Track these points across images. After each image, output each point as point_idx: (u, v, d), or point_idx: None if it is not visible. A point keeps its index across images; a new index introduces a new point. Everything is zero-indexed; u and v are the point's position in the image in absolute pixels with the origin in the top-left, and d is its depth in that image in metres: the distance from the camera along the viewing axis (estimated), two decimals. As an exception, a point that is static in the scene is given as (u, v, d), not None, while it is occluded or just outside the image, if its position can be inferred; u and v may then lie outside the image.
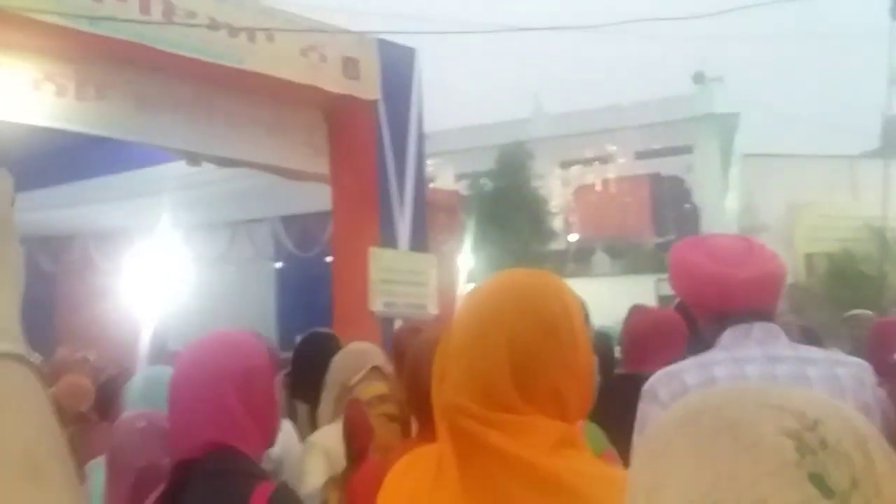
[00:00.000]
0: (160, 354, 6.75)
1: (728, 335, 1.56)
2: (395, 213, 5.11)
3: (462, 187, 10.90)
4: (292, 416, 2.88)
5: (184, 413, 1.42)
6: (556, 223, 11.62)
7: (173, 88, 4.75)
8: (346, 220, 5.25)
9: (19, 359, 0.56)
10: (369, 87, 5.17)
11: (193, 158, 5.42)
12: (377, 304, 4.87)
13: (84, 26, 3.99)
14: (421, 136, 5.43)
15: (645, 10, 7.22)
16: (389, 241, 5.07)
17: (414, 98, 5.45)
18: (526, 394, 1.02)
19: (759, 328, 1.57)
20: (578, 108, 18.96)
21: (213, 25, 4.46)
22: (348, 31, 5.09)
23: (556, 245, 11.37)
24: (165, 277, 8.41)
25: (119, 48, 4.25)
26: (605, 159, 18.23)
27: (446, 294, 6.89)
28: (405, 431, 1.92)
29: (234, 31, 4.55)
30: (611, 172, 18.40)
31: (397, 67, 5.38)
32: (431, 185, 8.09)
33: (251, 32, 4.62)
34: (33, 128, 4.50)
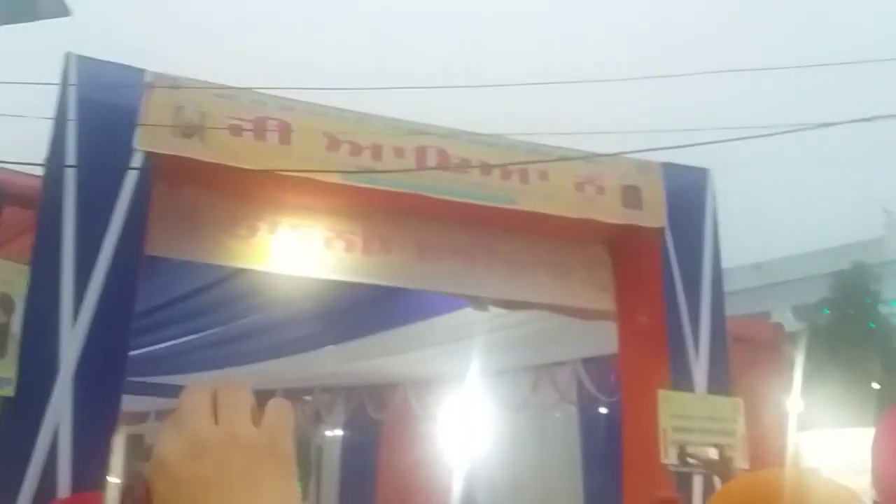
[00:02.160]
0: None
1: None
2: (688, 351, 4.51)
3: (792, 320, 9.61)
4: None
5: None
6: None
7: (452, 235, 4.82)
8: (634, 361, 4.77)
9: None
10: (653, 215, 4.78)
11: (478, 303, 5.41)
12: (670, 457, 4.23)
13: (365, 183, 4.24)
14: (717, 265, 4.83)
15: None
16: (683, 383, 4.46)
17: (708, 223, 4.92)
18: None
19: None
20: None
21: (486, 170, 4.49)
22: (626, 158, 4.80)
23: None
24: (474, 423, 8.45)
25: (398, 201, 4.44)
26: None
27: (764, 445, 5.88)
28: None
29: (506, 172, 4.53)
30: None
31: (686, 191, 4.94)
32: (753, 319, 7.22)
33: (523, 172, 4.57)
34: (337, 283, 4.83)
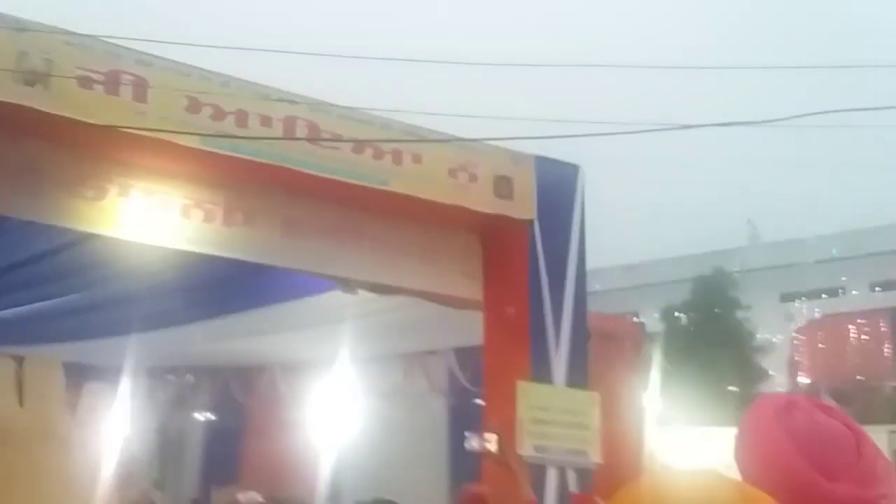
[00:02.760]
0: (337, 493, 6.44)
1: None
2: (549, 344, 4.53)
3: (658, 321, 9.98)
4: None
5: None
6: (767, 362, 10.21)
7: (320, 213, 4.66)
8: (496, 352, 4.76)
9: None
10: (523, 207, 4.77)
11: (346, 285, 5.27)
12: (527, 448, 4.24)
13: (227, 151, 4.02)
14: (582, 260, 4.88)
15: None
16: (543, 375, 4.49)
17: (576, 219, 4.97)
18: None
19: None
20: (800, 236, 17.36)
21: (358, 148, 4.35)
22: (500, 148, 4.78)
23: (766, 387, 9.92)
24: (343, 410, 8.30)
25: (264, 172, 4.24)
26: (833, 291, 16.30)
27: (620, 441, 6.05)
28: None
29: (379, 152, 4.41)
30: (842, 306, 16.37)
31: (557, 186, 4.96)
32: (617, 316, 7.41)
33: (397, 153, 4.46)
34: (201, 256, 4.56)
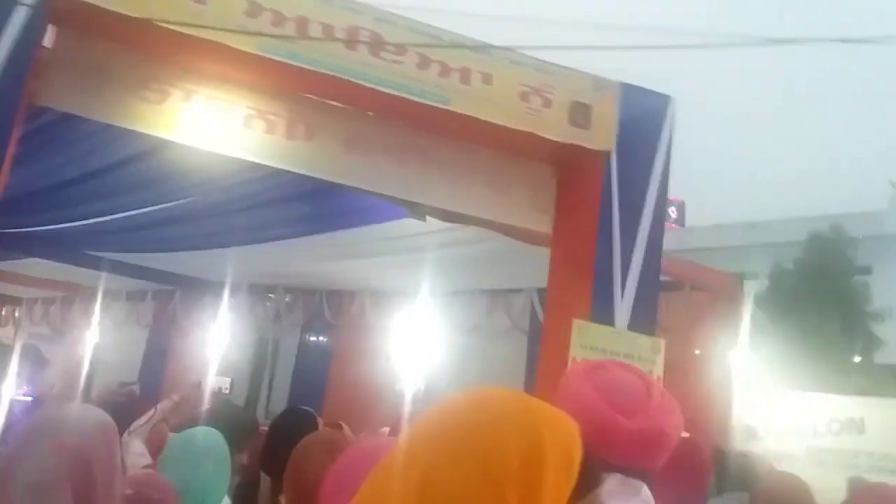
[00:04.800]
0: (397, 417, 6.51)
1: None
2: (614, 285, 4.22)
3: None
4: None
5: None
6: (885, 331, 9.30)
7: (383, 131, 4.49)
8: (558, 290, 4.50)
9: None
10: (601, 137, 4.42)
11: (413, 210, 5.12)
12: (575, 391, 3.99)
13: (284, 58, 3.90)
14: (662, 202, 4.49)
15: None
16: (603, 317, 4.19)
17: (660, 155, 4.56)
18: None
19: (614, 479, 1.48)
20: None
21: (424, 63, 4.13)
22: (582, 72, 4.42)
23: (884, 358, 9.05)
24: (425, 340, 8.31)
25: (325, 84, 4.11)
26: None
27: (699, 396, 5.67)
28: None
29: (446, 69, 4.17)
30: None
31: (643, 117, 4.56)
32: (714, 269, 6.90)
33: (465, 72, 4.20)
34: (286, 173, 4.50)
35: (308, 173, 4.46)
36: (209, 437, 2.47)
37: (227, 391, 10.05)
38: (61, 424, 1.66)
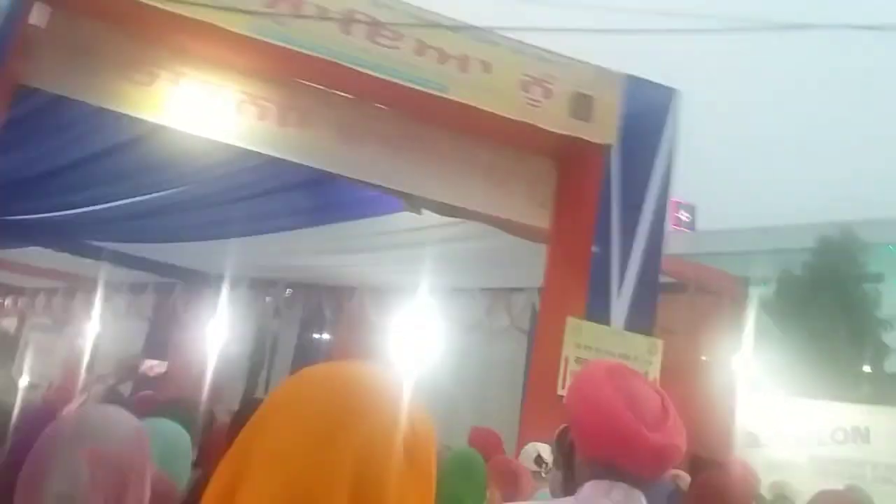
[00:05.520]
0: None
1: (589, 487, 1.48)
2: (611, 283, 4.09)
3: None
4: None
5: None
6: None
7: (379, 119, 4.38)
8: (554, 287, 4.37)
9: None
10: (602, 130, 4.29)
11: (409, 202, 5.01)
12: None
13: (278, 41, 3.79)
14: (663, 197, 4.36)
15: None
16: (599, 316, 4.06)
17: (662, 150, 4.43)
18: None
19: (621, 490, 1.46)
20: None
21: (421, 49, 4.01)
22: (585, 63, 4.30)
23: (890, 364, 8.85)
24: (425, 337, 8.19)
25: (320, 69, 4.00)
26: None
27: (700, 399, 5.53)
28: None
29: (444, 56, 4.05)
30: None
31: (647, 110, 4.43)
32: (717, 270, 6.76)
33: (464, 59, 4.09)
34: (284, 162, 4.39)
35: (300, 161, 4.35)
36: (175, 430, 2.37)
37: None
38: (94, 431, 1.54)
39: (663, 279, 4.36)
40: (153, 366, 10.24)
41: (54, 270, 11.67)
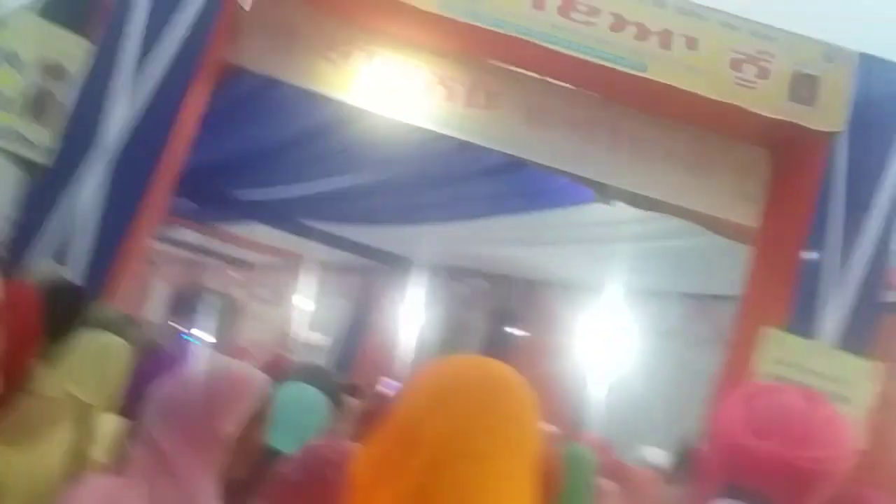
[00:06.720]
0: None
1: None
2: (822, 293, 3.55)
3: None
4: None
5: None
6: None
7: (570, 102, 4.13)
8: (755, 294, 3.87)
9: None
10: (827, 116, 3.73)
11: (600, 192, 4.70)
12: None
13: (466, 18, 3.68)
14: (901, 195, 3.72)
15: None
16: (804, 329, 3.54)
17: (905, 140, 3.78)
18: None
19: None
20: None
21: (619, 24, 3.72)
22: (811, 39, 3.77)
23: None
24: (615, 341, 7.84)
25: (509, 48, 3.84)
26: None
27: None
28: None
29: (644, 31, 3.73)
30: None
31: (885, 96, 3.80)
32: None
33: (667, 35, 3.73)
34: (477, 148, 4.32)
35: (485, 144, 4.21)
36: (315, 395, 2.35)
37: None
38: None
39: (890, 296, 3.73)
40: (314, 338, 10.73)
41: (273, 248, 12.56)
